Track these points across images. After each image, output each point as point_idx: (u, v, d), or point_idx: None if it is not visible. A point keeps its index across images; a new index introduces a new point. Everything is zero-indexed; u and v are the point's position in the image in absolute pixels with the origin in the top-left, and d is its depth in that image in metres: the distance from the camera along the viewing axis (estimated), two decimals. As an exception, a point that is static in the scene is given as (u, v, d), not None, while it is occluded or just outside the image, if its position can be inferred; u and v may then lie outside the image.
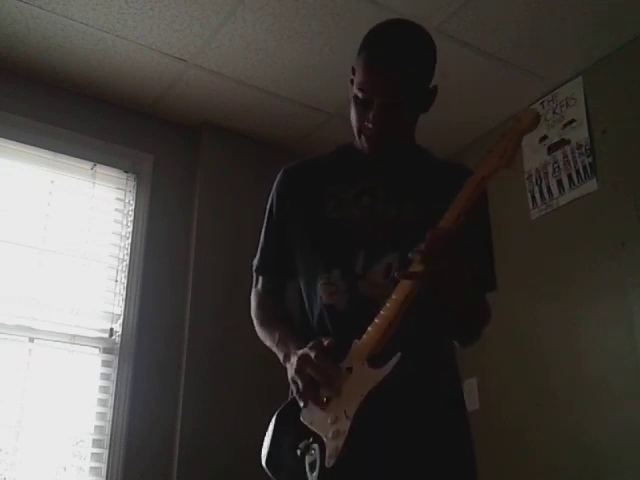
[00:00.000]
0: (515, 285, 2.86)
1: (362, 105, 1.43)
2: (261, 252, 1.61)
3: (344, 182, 1.49)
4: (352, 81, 1.48)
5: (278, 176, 1.61)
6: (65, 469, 2.67)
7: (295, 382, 1.31)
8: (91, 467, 2.67)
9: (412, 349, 1.27)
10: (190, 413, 2.83)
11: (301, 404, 1.31)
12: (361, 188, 1.47)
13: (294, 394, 1.32)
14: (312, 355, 1.29)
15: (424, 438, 1.31)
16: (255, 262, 1.62)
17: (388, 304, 1.28)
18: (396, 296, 1.28)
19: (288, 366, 1.37)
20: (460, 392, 1.45)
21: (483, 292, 1.48)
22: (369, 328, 1.28)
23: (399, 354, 1.22)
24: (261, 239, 1.62)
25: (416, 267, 1.26)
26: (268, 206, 1.61)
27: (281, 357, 1.42)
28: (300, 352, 1.32)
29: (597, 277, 2.66)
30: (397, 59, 1.40)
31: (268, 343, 1.50)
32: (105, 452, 2.70)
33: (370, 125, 1.42)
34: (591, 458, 2.52)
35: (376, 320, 1.28)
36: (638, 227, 2.55)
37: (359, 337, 1.29)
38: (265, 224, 1.61)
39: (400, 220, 1.43)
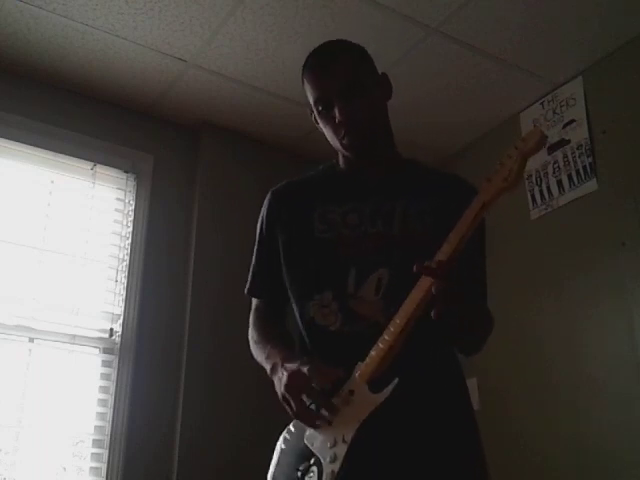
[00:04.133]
0: (515, 285, 2.87)
1: (328, 115, 1.46)
2: (253, 275, 1.62)
3: (331, 202, 1.49)
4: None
5: (266, 200, 1.61)
6: (65, 469, 2.67)
7: (287, 401, 1.30)
8: (91, 467, 2.67)
9: (414, 371, 1.27)
10: (190, 413, 2.83)
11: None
12: (348, 207, 1.47)
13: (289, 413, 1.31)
14: (305, 370, 1.28)
15: (425, 461, 1.29)
16: (247, 285, 1.63)
17: (390, 327, 1.27)
18: (398, 320, 1.27)
19: (275, 379, 1.36)
20: (468, 408, 1.45)
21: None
22: (372, 351, 1.27)
23: (396, 379, 1.22)
24: (253, 262, 1.63)
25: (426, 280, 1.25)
26: (258, 229, 1.62)
27: (268, 369, 1.42)
28: (290, 367, 1.31)
29: (597, 277, 2.66)
30: (335, 55, 1.49)
31: (259, 359, 1.50)
32: (105, 452, 2.70)
33: (340, 118, 1.42)
34: (591, 458, 2.52)
35: (379, 343, 1.27)
36: (638, 227, 2.55)
37: (363, 359, 1.28)
38: (256, 247, 1.62)
39: (388, 236, 1.42)
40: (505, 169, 1.29)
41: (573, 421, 2.62)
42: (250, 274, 1.63)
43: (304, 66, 1.53)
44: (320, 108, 1.47)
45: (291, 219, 1.53)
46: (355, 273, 1.40)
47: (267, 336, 1.54)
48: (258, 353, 1.52)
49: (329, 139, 1.52)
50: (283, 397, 1.31)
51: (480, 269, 1.49)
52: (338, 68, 1.46)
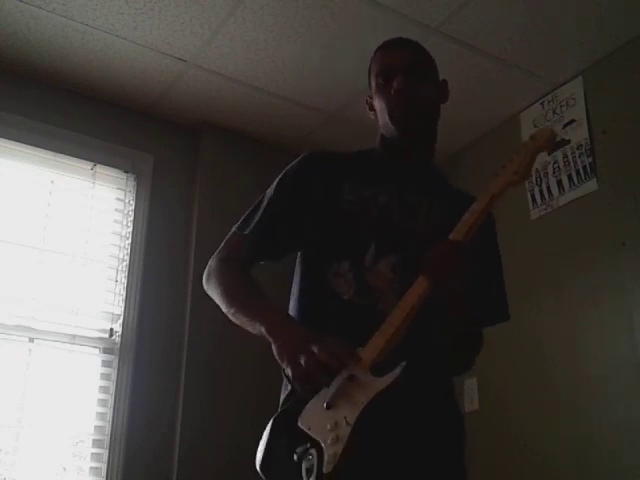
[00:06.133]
0: (515, 285, 2.85)
1: (386, 87, 1.50)
2: (259, 217, 1.51)
3: (364, 180, 1.51)
4: (370, 105, 1.58)
5: (302, 155, 1.58)
6: (65, 469, 2.67)
7: (296, 364, 1.21)
8: (91, 467, 2.67)
9: (417, 357, 1.27)
10: (190, 413, 2.83)
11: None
12: (379, 188, 1.49)
13: (292, 376, 1.25)
14: (330, 346, 1.22)
15: (425, 446, 1.30)
16: (246, 224, 1.52)
17: (395, 311, 1.27)
18: (403, 303, 1.27)
19: (279, 341, 1.27)
20: (455, 402, 1.46)
21: (495, 323, 1.55)
22: (373, 337, 1.26)
23: (404, 363, 1.19)
24: (264, 205, 1.53)
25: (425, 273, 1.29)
26: (282, 177, 1.55)
27: (262, 327, 1.31)
28: (313, 335, 1.25)
29: (597, 277, 2.65)
30: (406, 42, 1.59)
31: (233, 310, 1.40)
32: (105, 452, 2.70)
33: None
34: (591, 458, 2.52)
35: (381, 330, 1.26)
36: (638, 227, 2.55)
37: (363, 344, 1.26)
38: (273, 193, 1.53)
39: (411, 226, 1.45)
40: (514, 164, 1.35)
41: (573, 421, 2.61)
42: (256, 215, 1.52)
43: (375, 50, 1.59)
44: (380, 80, 1.51)
45: (322, 184, 1.51)
46: (375, 249, 1.41)
47: (247, 287, 1.46)
48: (232, 302, 1.42)
49: (379, 115, 1.54)
50: (295, 358, 1.21)
51: (496, 283, 1.58)
52: (408, 50, 1.55)
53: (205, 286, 1.52)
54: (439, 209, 1.48)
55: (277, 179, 1.57)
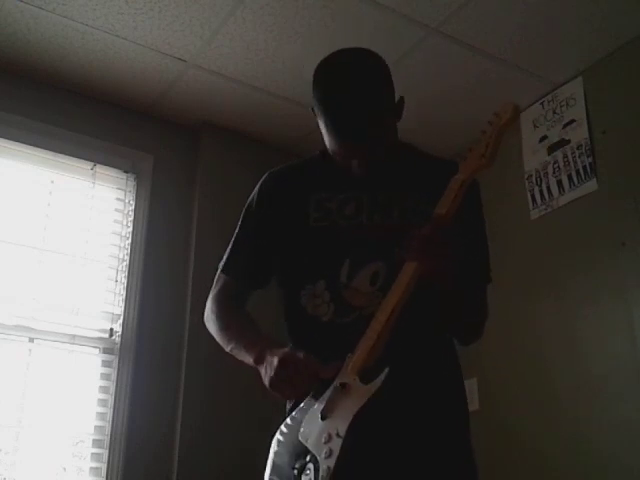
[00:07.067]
0: (515, 285, 2.86)
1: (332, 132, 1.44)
2: (233, 252, 1.56)
3: (328, 191, 1.47)
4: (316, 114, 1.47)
5: (262, 179, 1.60)
6: (65, 469, 2.67)
7: (278, 384, 1.27)
8: (91, 467, 2.67)
9: (406, 359, 1.27)
10: (190, 413, 2.83)
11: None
12: (345, 197, 1.45)
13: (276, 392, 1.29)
14: (299, 355, 1.27)
15: (422, 452, 1.29)
16: (223, 262, 1.57)
17: (377, 316, 1.26)
18: (384, 307, 1.26)
19: (262, 368, 1.32)
20: (461, 396, 1.43)
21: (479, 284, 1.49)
22: (361, 342, 1.26)
23: (387, 369, 1.20)
24: (235, 239, 1.58)
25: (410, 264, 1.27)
26: (247, 207, 1.59)
27: (251, 358, 1.37)
28: (282, 351, 1.29)
29: (597, 277, 2.66)
30: (349, 86, 1.40)
31: (231, 346, 1.45)
32: (105, 452, 2.70)
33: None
34: (591, 458, 2.52)
35: (367, 333, 1.26)
36: (638, 227, 2.55)
37: (352, 351, 1.26)
38: (242, 224, 1.58)
39: (385, 229, 1.41)
40: (481, 146, 1.30)
41: (573, 421, 2.61)
42: (229, 250, 1.57)
43: (316, 78, 1.48)
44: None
45: (287, 204, 1.50)
46: (349, 263, 1.39)
47: (239, 322, 1.50)
48: (228, 339, 1.47)
49: (326, 141, 1.47)
50: (274, 381, 1.27)
51: (479, 245, 1.50)
52: (353, 102, 1.37)
53: (207, 325, 1.57)
54: (414, 203, 1.42)
55: (243, 209, 1.60)
